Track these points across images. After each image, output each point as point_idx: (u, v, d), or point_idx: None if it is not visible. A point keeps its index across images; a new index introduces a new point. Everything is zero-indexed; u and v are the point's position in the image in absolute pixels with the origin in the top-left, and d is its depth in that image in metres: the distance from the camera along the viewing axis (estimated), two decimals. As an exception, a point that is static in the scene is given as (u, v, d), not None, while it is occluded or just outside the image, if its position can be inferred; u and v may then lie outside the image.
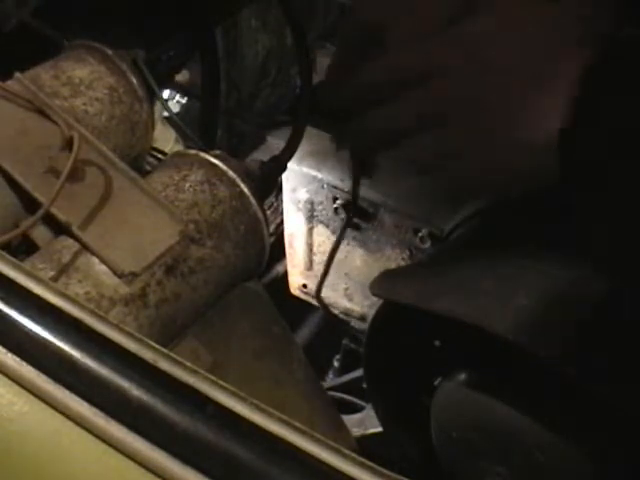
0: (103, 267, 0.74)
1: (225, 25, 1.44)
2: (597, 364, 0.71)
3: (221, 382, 0.50)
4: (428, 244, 1.10)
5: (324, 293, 1.31)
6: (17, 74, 0.86)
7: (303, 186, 1.22)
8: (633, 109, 0.59)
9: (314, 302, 1.34)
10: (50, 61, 0.92)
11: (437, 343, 0.89)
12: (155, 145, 1.03)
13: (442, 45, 0.61)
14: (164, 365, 0.51)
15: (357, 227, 1.19)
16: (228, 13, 1.33)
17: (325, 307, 1.32)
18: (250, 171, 0.91)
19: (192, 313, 0.82)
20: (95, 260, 0.75)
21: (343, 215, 1.19)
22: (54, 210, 0.75)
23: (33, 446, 0.52)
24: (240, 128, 1.55)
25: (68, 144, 0.77)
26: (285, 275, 1.38)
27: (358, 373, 1.46)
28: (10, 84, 0.85)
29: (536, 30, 0.58)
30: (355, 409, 1.40)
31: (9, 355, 0.53)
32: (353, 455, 0.47)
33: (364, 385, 1.25)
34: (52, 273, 0.73)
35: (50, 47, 0.97)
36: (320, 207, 1.22)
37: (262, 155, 1.15)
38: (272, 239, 1.32)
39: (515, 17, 0.58)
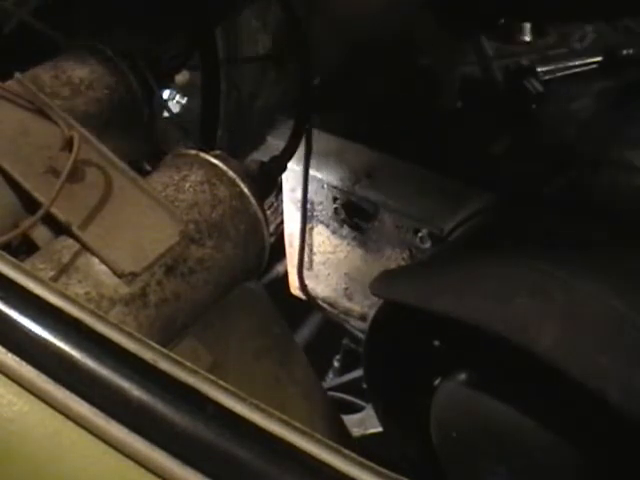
0: (103, 267, 0.74)
1: (225, 25, 1.44)
2: (598, 364, 0.71)
3: (221, 382, 0.50)
4: (428, 244, 1.10)
5: (324, 293, 1.31)
6: (17, 74, 0.86)
7: (303, 186, 1.22)
8: None
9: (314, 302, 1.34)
10: (50, 61, 0.92)
11: (437, 343, 0.89)
12: (156, 145, 1.03)
13: None
14: (164, 365, 0.51)
15: (357, 227, 1.19)
16: (228, 13, 1.33)
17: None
18: (250, 171, 0.91)
19: (192, 313, 0.82)
20: (95, 260, 0.75)
21: (343, 215, 1.19)
22: (54, 210, 0.75)
23: (33, 446, 0.52)
24: (240, 128, 1.55)
25: (68, 144, 0.77)
26: (285, 275, 1.38)
27: (358, 373, 1.46)
28: (10, 84, 0.85)
29: None
30: (355, 409, 1.40)
31: (9, 355, 0.53)
32: (353, 455, 0.47)
33: (364, 385, 1.25)
34: (52, 273, 0.73)
35: (50, 47, 0.97)
36: (320, 207, 1.22)
37: (262, 155, 1.15)
38: (272, 239, 1.32)
39: None
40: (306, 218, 1.20)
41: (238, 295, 0.91)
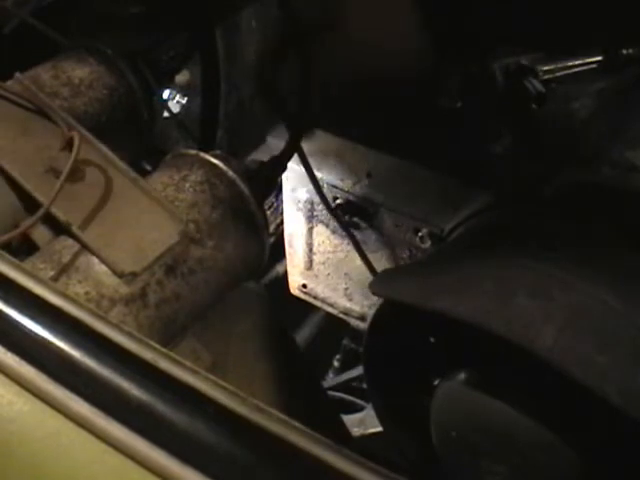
0: (103, 267, 0.74)
1: (225, 25, 1.44)
2: (598, 364, 0.71)
3: (221, 382, 0.50)
4: (428, 244, 1.10)
5: (324, 293, 1.31)
6: (17, 74, 0.86)
7: (303, 186, 1.22)
8: None
9: (314, 302, 1.34)
10: (50, 61, 0.92)
11: (437, 343, 0.88)
12: (156, 145, 1.03)
13: None
14: (164, 365, 0.51)
15: (357, 227, 1.19)
16: (228, 13, 1.33)
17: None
18: (250, 171, 0.91)
19: (192, 313, 0.82)
20: (95, 260, 0.75)
21: (343, 215, 1.19)
22: (54, 210, 0.75)
23: (33, 446, 0.52)
24: (240, 128, 1.55)
25: (68, 144, 0.77)
26: (285, 275, 1.38)
27: (358, 372, 1.46)
28: (10, 84, 0.85)
29: None
30: (355, 409, 1.40)
31: (9, 355, 0.53)
32: (353, 455, 0.47)
33: (364, 385, 1.25)
34: (52, 273, 0.73)
35: (50, 47, 0.97)
36: (320, 207, 1.22)
37: (262, 155, 1.15)
38: (272, 239, 1.32)
39: None
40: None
41: (238, 295, 0.92)
